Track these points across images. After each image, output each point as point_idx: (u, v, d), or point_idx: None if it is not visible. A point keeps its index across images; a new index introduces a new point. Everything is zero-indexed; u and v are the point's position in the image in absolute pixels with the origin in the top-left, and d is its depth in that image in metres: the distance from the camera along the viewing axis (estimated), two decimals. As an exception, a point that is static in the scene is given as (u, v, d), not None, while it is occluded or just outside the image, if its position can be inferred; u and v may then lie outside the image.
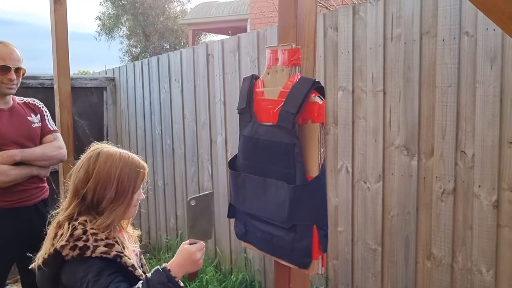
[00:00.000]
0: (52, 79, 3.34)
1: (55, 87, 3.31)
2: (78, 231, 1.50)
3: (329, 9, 4.80)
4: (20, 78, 2.58)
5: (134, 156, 1.65)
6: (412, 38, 2.52)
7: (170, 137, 4.58)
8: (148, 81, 4.86)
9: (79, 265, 1.47)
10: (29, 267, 1.62)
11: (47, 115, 2.72)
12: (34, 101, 2.73)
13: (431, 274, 2.54)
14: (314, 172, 1.50)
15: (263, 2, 8.39)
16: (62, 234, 1.50)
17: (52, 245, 1.51)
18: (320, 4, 4.91)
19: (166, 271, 1.48)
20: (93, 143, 1.67)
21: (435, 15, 2.43)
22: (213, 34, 17.10)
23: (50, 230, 1.57)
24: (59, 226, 1.56)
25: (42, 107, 2.73)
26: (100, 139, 5.61)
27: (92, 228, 1.52)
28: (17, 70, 2.53)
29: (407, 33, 2.55)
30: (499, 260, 2.28)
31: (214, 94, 3.95)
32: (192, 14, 14.63)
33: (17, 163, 2.48)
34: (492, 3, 1.15)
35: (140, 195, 1.67)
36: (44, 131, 2.66)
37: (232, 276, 3.81)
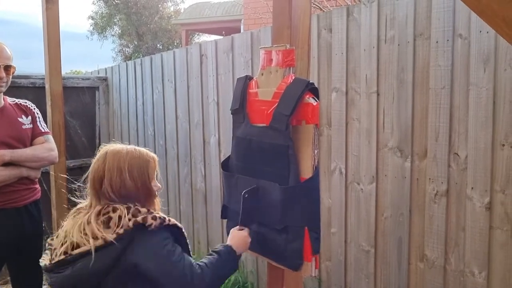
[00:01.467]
0: (44, 78, 3.31)
1: (47, 86, 3.28)
2: (143, 209, 1.57)
3: (323, 11, 4.80)
4: (10, 77, 2.55)
5: (141, 149, 1.70)
6: (406, 40, 2.53)
7: (162, 138, 4.55)
8: (141, 81, 4.84)
9: (155, 236, 1.53)
10: (48, 262, 1.56)
11: (38, 117, 2.69)
12: (26, 102, 2.70)
13: (424, 276, 2.54)
14: (307, 173, 1.49)
15: (257, 3, 8.38)
16: (120, 216, 1.52)
17: (109, 227, 1.52)
18: (314, 5, 4.91)
19: (230, 247, 1.69)
20: (102, 145, 1.72)
21: (428, 17, 2.43)
22: (207, 35, 17.07)
23: (93, 219, 1.55)
24: (103, 213, 1.56)
25: (34, 108, 2.70)
26: (92, 139, 5.61)
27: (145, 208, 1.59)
28: (7, 68, 2.50)
29: (401, 35, 2.55)
30: (492, 262, 2.28)
31: (207, 94, 3.93)
32: (185, 14, 14.60)
33: (7, 164, 2.44)
34: (486, 5, 1.15)
35: (156, 184, 1.71)
36: (35, 133, 2.63)
37: (224, 278, 3.80)
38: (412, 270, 2.59)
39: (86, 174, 1.69)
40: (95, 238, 1.50)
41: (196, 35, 18.50)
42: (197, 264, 1.60)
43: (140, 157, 1.66)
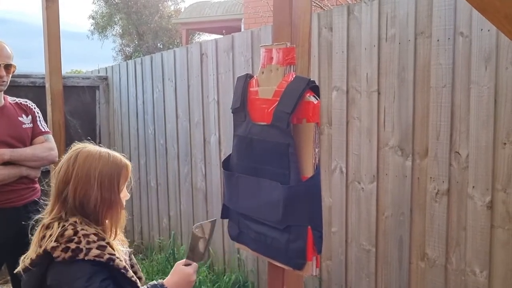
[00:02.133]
0: (44, 77, 3.30)
1: (47, 85, 3.28)
2: (69, 232, 1.45)
3: (324, 9, 4.79)
4: (10, 75, 2.54)
5: (116, 154, 1.59)
6: (407, 38, 2.52)
7: (163, 137, 4.55)
8: (141, 80, 4.83)
9: (69, 268, 1.42)
10: (14, 271, 1.57)
11: (39, 116, 2.68)
12: (26, 101, 2.69)
13: (424, 275, 2.54)
14: (308, 172, 1.48)
15: (257, 1, 8.38)
16: (51, 235, 1.46)
17: (40, 246, 1.47)
18: (314, 4, 4.90)
19: None
20: (74, 144, 1.61)
21: (429, 15, 2.42)
22: (207, 34, 17.06)
23: (37, 232, 1.53)
24: (47, 227, 1.51)
25: (35, 108, 2.69)
26: (92, 138, 5.57)
27: (83, 229, 1.47)
28: (7, 67, 2.49)
29: (402, 33, 2.54)
30: (493, 261, 2.28)
31: (207, 93, 3.93)
32: (185, 13, 14.60)
33: (6, 163, 2.43)
34: (488, 2, 1.14)
35: (126, 194, 1.62)
36: (36, 132, 2.62)
37: (225, 277, 3.79)
38: (413, 270, 2.59)
39: (54, 170, 1.60)
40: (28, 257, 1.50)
41: (196, 34, 18.49)
42: None
43: (113, 163, 1.54)
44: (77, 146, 1.60)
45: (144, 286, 1.54)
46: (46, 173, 3.73)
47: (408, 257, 2.60)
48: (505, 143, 2.20)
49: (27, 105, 2.67)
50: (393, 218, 2.65)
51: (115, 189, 1.54)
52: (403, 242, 2.62)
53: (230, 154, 1.75)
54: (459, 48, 2.33)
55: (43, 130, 2.67)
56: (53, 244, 1.43)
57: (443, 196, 2.43)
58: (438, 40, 2.40)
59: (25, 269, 1.50)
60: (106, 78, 5.43)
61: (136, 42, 18.35)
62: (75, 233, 1.45)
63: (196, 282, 3.72)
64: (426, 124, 2.47)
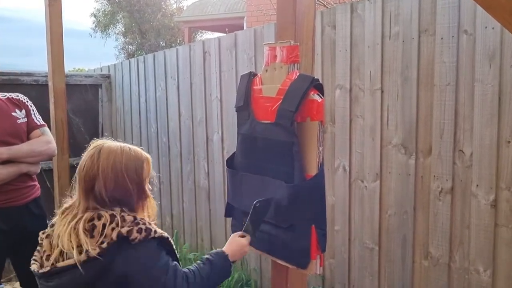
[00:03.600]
0: (47, 76, 3.30)
1: (50, 84, 3.28)
2: (129, 217, 1.50)
3: (327, 7, 4.78)
4: None
5: (136, 148, 1.64)
6: (411, 36, 2.51)
7: (165, 135, 4.55)
8: (144, 79, 4.83)
9: (140, 248, 1.47)
10: (38, 270, 1.52)
11: (32, 110, 2.60)
12: (17, 96, 2.59)
13: (428, 274, 2.53)
14: (312, 170, 1.48)
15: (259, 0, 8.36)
16: (104, 224, 1.46)
17: (93, 236, 1.45)
18: (317, 2, 4.89)
19: (227, 257, 1.63)
20: (93, 140, 1.64)
21: (433, 13, 2.41)
22: (209, 32, 17.04)
23: (76, 226, 1.49)
24: (90, 219, 1.49)
25: (27, 101, 2.60)
26: (95, 136, 5.57)
27: (134, 214, 1.53)
28: None
29: (406, 31, 2.53)
30: (497, 259, 2.27)
31: (210, 91, 3.92)
32: (188, 11, 14.58)
33: (4, 162, 2.38)
34: None
35: (149, 186, 1.67)
36: (31, 126, 2.54)
37: (228, 275, 3.79)
38: (417, 268, 2.58)
39: (77, 168, 1.61)
40: (80, 251, 1.45)
41: (199, 33, 18.48)
42: (186, 275, 1.54)
43: (136, 157, 1.59)
44: (96, 142, 1.62)
45: (206, 255, 1.64)
46: (49, 171, 3.74)
47: (411, 256, 2.59)
48: (509, 141, 2.19)
49: (19, 99, 2.57)
50: (396, 216, 2.64)
51: (141, 180, 1.59)
52: (406, 240, 2.61)
53: (234, 153, 1.75)
54: (463, 46, 2.32)
55: (39, 123, 2.59)
56: (127, 227, 1.46)
57: (446, 195, 2.42)
58: (442, 38, 2.39)
59: (70, 266, 1.45)
60: (108, 77, 5.43)
61: (139, 41, 18.33)
62: (134, 218, 1.51)
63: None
64: (430, 122, 2.46)
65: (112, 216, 1.49)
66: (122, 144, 1.62)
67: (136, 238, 1.46)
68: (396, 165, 2.62)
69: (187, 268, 1.59)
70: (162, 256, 1.52)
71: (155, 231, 1.51)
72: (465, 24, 2.30)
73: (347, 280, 2.95)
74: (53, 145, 2.61)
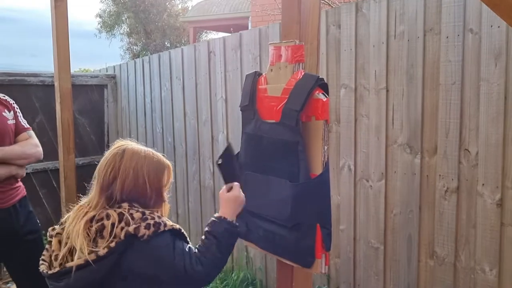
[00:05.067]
0: (53, 76, 3.32)
1: (56, 84, 3.29)
2: (137, 214, 1.50)
3: (332, 6, 4.78)
4: None
5: (159, 154, 1.65)
6: (416, 35, 2.50)
7: (171, 135, 4.56)
8: (149, 79, 4.84)
9: (152, 242, 1.47)
10: (47, 271, 1.51)
11: (18, 112, 2.56)
12: (4, 96, 2.54)
13: (433, 273, 2.53)
14: (317, 170, 1.48)
15: (264, -1, 8.37)
16: (113, 224, 1.46)
17: (103, 237, 1.46)
18: (322, 2, 4.89)
19: (225, 220, 1.60)
20: (117, 140, 1.66)
21: (439, 12, 2.41)
22: (214, 32, 17.06)
23: (84, 226, 1.49)
24: (99, 219, 1.50)
25: (13, 103, 2.56)
26: (101, 137, 5.63)
27: (144, 210, 1.53)
28: None
29: (411, 30, 2.53)
30: (503, 259, 2.26)
31: (215, 91, 3.93)
32: (193, 11, 14.61)
33: None
34: (500, -2, 1.13)
35: (166, 193, 1.68)
36: (18, 129, 2.51)
37: (233, 275, 3.80)
38: (422, 268, 2.58)
39: (98, 165, 1.61)
40: (91, 250, 1.45)
41: (204, 33, 18.50)
42: (198, 257, 1.53)
43: (158, 162, 1.61)
44: (120, 142, 1.64)
45: (206, 227, 1.61)
46: (55, 171, 3.75)
47: (417, 255, 2.59)
48: (515, 141, 2.18)
49: (6, 100, 2.53)
50: (401, 216, 2.64)
51: (160, 186, 1.61)
52: (411, 240, 2.60)
53: (239, 152, 1.75)
54: (468, 44, 2.31)
55: (25, 126, 2.56)
56: (133, 225, 1.46)
57: (452, 194, 2.41)
58: (447, 37, 2.38)
59: (80, 266, 1.45)
60: (114, 77, 5.45)
61: (144, 41, 18.38)
62: (143, 213, 1.51)
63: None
64: (435, 121, 2.45)
65: (121, 215, 1.49)
66: (146, 148, 1.64)
67: (144, 234, 1.46)
68: (401, 165, 2.62)
69: (196, 249, 1.57)
70: (177, 244, 1.53)
71: (165, 224, 1.51)
72: (471, 23, 2.29)
73: (353, 279, 2.95)
74: (41, 148, 2.58)
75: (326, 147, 1.48)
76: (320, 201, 1.47)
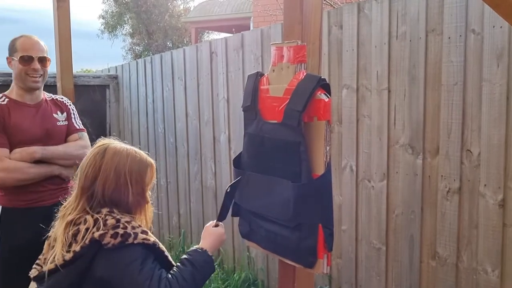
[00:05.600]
0: (55, 76, 3.33)
1: (58, 84, 3.30)
2: (111, 220, 1.45)
3: (334, 7, 4.78)
4: (47, 69, 2.47)
5: (142, 152, 1.62)
6: (418, 35, 2.50)
7: (173, 136, 4.56)
8: (151, 79, 4.85)
9: (120, 253, 1.43)
10: (33, 275, 1.51)
11: (73, 113, 2.63)
12: (62, 98, 2.64)
13: (435, 274, 2.52)
14: (319, 170, 1.48)
15: (266, 0, 8.37)
16: (87, 228, 1.44)
17: (76, 241, 1.44)
18: (324, 2, 4.89)
19: (206, 252, 1.60)
20: (99, 139, 1.63)
21: (441, 12, 2.41)
22: (216, 32, 17.07)
23: (63, 229, 1.49)
24: (75, 223, 1.48)
25: (70, 105, 2.64)
26: (103, 137, 5.62)
27: (122, 217, 1.49)
28: (42, 59, 2.43)
29: (413, 30, 2.53)
30: (505, 259, 2.26)
31: (217, 92, 3.93)
32: (194, 12, 14.62)
33: (38, 161, 2.37)
34: (502, -1, 1.13)
35: (149, 193, 1.65)
36: (70, 130, 2.56)
37: (235, 275, 3.80)
38: (424, 268, 2.57)
39: (80, 165, 1.59)
40: (61, 255, 1.43)
41: (205, 33, 18.52)
42: (169, 282, 1.47)
43: (140, 161, 1.57)
44: (102, 141, 1.61)
45: (185, 255, 1.59)
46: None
47: (418, 256, 2.59)
48: (517, 141, 2.18)
49: (62, 101, 2.62)
50: (403, 216, 2.64)
51: (143, 185, 1.58)
52: (413, 240, 2.60)
53: (241, 152, 1.76)
54: (470, 45, 2.31)
55: (78, 127, 2.61)
56: (100, 231, 1.42)
57: (454, 195, 2.41)
58: (449, 38, 2.38)
59: (54, 270, 1.44)
60: (116, 77, 5.46)
61: (146, 41, 18.40)
62: (117, 220, 1.47)
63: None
64: (437, 122, 2.45)
65: (96, 220, 1.46)
66: (128, 146, 1.60)
67: (109, 242, 1.41)
68: (403, 165, 2.62)
69: (170, 273, 1.52)
70: (147, 262, 1.46)
71: (135, 237, 1.45)
72: (473, 24, 2.29)
73: (354, 280, 2.95)
74: (88, 150, 2.59)
75: (328, 148, 1.48)
76: (322, 201, 1.47)
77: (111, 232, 1.42)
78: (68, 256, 1.42)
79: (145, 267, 1.44)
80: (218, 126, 3.96)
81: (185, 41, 18.14)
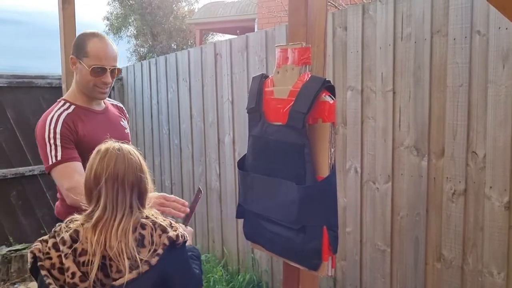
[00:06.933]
0: (60, 78, 3.34)
1: (63, 86, 3.30)
2: (166, 221, 1.51)
3: (338, 8, 4.77)
4: (114, 80, 2.20)
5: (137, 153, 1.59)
6: (423, 37, 2.50)
7: (177, 137, 4.57)
8: (155, 81, 4.86)
9: (183, 248, 1.51)
10: (121, 282, 1.38)
11: (128, 122, 2.45)
12: (118, 103, 2.42)
13: (441, 276, 2.51)
14: (324, 172, 1.48)
15: (270, 1, 8.37)
16: (151, 232, 1.45)
17: (144, 246, 1.43)
18: (329, 3, 4.89)
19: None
20: (99, 147, 1.56)
21: (446, 13, 2.40)
22: (220, 34, 17.10)
23: (120, 237, 1.41)
24: (128, 229, 1.44)
25: (126, 112, 2.46)
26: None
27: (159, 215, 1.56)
28: (113, 71, 2.14)
29: (418, 32, 2.52)
30: (511, 262, 2.24)
31: (222, 93, 3.94)
32: (199, 13, 14.64)
33: None
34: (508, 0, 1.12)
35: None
36: (129, 138, 2.34)
37: (239, 277, 3.80)
38: (429, 270, 2.56)
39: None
40: (132, 259, 1.39)
41: (210, 35, 18.54)
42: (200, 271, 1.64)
43: (137, 156, 1.55)
44: (101, 145, 1.56)
45: (192, 249, 1.71)
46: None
47: (424, 258, 2.58)
48: (523, 143, 2.17)
49: (122, 108, 2.42)
50: (408, 218, 2.63)
51: (146, 186, 1.56)
52: (418, 242, 2.59)
53: (245, 154, 1.76)
54: (476, 46, 2.30)
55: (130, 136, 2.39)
56: (173, 232, 1.46)
57: (459, 197, 2.40)
58: (454, 39, 2.37)
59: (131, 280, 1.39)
60: (121, 79, 5.48)
61: (150, 43, 18.44)
62: (169, 222, 1.54)
63: (210, 282, 3.75)
64: (443, 123, 2.44)
65: (153, 223, 1.47)
66: (124, 146, 1.55)
67: (180, 241, 1.47)
68: (408, 167, 2.61)
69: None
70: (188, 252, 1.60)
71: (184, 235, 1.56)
72: (478, 25, 2.28)
73: (359, 282, 2.94)
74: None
75: (332, 150, 1.48)
76: (326, 203, 1.47)
77: (179, 231, 1.49)
78: (154, 260, 1.40)
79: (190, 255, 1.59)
80: (222, 128, 3.96)
81: (190, 43, 18.18)
